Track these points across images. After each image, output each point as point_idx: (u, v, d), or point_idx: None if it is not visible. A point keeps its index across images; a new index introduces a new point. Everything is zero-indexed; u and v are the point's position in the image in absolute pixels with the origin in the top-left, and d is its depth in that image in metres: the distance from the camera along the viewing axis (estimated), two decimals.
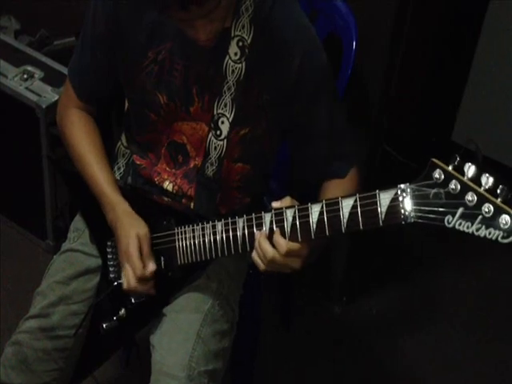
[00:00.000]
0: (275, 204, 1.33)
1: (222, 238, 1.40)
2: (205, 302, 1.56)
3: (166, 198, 1.57)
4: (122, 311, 1.53)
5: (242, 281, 1.68)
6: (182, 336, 1.52)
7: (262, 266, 1.35)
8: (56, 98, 2.22)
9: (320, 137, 1.50)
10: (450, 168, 1.14)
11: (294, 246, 1.31)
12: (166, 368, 1.49)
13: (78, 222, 1.70)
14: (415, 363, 2.32)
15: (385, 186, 1.22)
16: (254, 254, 1.36)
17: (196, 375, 1.48)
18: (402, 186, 1.19)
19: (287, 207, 1.31)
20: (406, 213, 1.19)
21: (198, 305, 1.55)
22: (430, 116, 2.98)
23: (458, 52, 2.88)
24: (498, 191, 1.11)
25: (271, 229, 1.33)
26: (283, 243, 1.31)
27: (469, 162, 1.13)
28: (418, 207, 1.18)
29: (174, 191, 1.56)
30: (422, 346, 2.36)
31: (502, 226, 1.10)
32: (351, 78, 1.78)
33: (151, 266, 1.46)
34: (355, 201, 1.24)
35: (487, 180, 1.12)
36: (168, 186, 1.57)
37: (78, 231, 1.67)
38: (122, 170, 1.63)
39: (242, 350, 1.82)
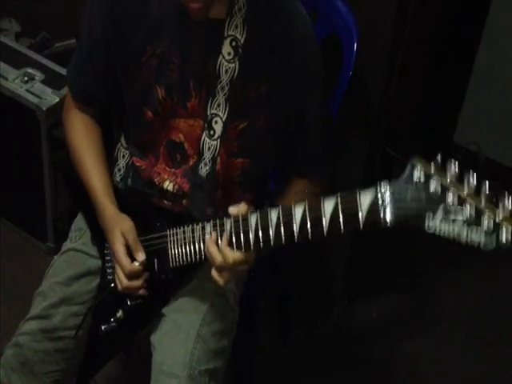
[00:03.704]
0: (232, 210, 1.32)
1: None
2: (204, 302, 1.56)
3: (166, 202, 1.56)
4: (120, 313, 1.52)
5: (242, 280, 1.67)
6: (182, 336, 1.52)
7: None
8: (57, 100, 2.22)
9: (312, 128, 1.52)
10: (432, 168, 1.09)
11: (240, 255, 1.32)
12: (166, 367, 1.50)
13: (79, 222, 1.69)
14: (415, 366, 2.31)
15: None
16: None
17: (197, 374, 1.48)
18: (382, 188, 1.14)
19: (271, 208, 1.28)
20: (387, 217, 1.12)
21: (197, 305, 1.56)
22: (431, 117, 2.97)
23: (459, 52, 2.87)
24: (481, 193, 1.05)
25: (256, 230, 1.29)
26: (230, 254, 1.32)
27: (451, 161, 1.07)
28: (397, 210, 1.11)
29: (175, 191, 1.55)
30: (422, 349, 2.35)
31: (485, 229, 1.03)
32: (351, 79, 1.78)
33: (140, 256, 1.45)
34: (336, 198, 1.18)
35: (470, 180, 1.05)
36: (168, 185, 1.56)
37: (80, 231, 1.67)
38: (122, 171, 1.62)
39: (243, 348, 1.81)
